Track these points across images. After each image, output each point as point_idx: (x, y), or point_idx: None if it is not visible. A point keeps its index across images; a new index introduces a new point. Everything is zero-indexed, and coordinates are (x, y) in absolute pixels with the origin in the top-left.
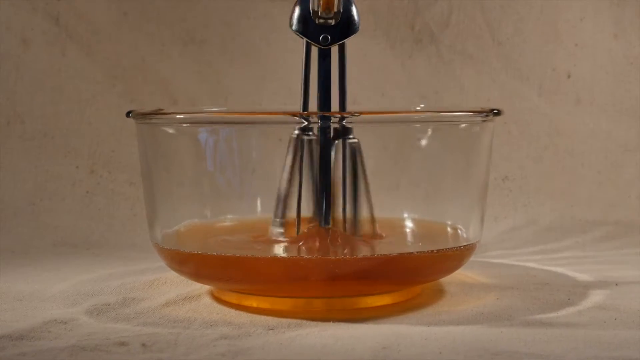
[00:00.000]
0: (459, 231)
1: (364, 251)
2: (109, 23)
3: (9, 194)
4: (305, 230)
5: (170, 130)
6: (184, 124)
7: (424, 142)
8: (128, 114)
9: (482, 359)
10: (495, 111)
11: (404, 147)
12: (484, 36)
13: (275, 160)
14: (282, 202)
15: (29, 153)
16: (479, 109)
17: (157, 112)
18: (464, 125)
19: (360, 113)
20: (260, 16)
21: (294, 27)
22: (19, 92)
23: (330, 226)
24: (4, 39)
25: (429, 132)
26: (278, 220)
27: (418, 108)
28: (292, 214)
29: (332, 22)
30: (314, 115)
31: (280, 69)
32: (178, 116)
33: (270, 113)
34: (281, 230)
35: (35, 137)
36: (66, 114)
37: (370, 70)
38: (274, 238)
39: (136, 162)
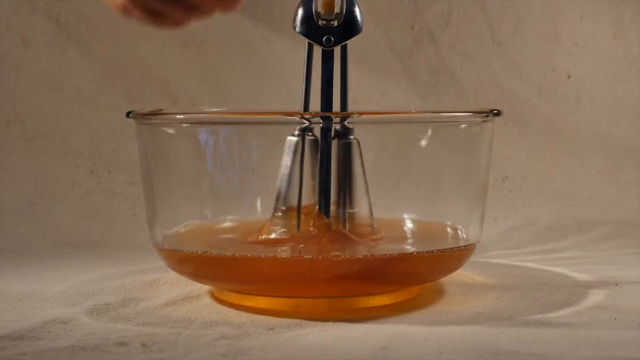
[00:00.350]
0: (459, 231)
1: (364, 251)
2: (109, 23)
3: (9, 194)
4: (306, 230)
5: (170, 131)
6: (184, 125)
7: (424, 142)
8: (128, 114)
9: (482, 359)
10: (495, 111)
11: (404, 147)
12: (484, 36)
13: (275, 160)
14: (282, 200)
15: (29, 153)
16: (479, 110)
17: (157, 113)
18: (464, 125)
19: (361, 113)
20: (260, 16)
21: (297, 29)
22: (19, 92)
23: (329, 224)
24: (4, 39)
25: (429, 132)
26: (278, 218)
27: (418, 109)
28: (292, 213)
29: (335, 23)
30: (314, 116)
31: (280, 69)
32: (178, 116)
33: (271, 113)
34: (281, 228)
35: (35, 137)
36: (66, 114)
37: (370, 70)
38: (275, 237)
39: (136, 162)
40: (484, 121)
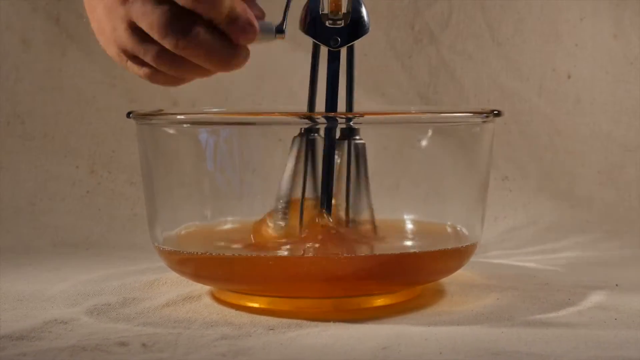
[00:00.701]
0: (459, 231)
1: (364, 251)
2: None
3: (9, 194)
4: (307, 230)
5: (171, 131)
6: (185, 125)
7: (424, 142)
8: (128, 114)
9: (483, 359)
10: (495, 112)
11: (404, 147)
12: (484, 36)
13: (275, 160)
14: (283, 200)
15: (29, 153)
16: (479, 110)
17: (157, 113)
18: (464, 126)
19: (363, 114)
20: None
21: (303, 30)
22: (19, 92)
23: (330, 224)
24: (4, 39)
25: (430, 132)
26: (279, 218)
27: (418, 109)
28: (293, 213)
29: (342, 23)
30: (314, 116)
31: (280, 69)
32: (178, 117)
33: (271, 113)
34: (282, 228)
35: (35, 137)
36: (66, 114)
37: (370, 70)
38: (275, 236)
39: (136, 162)
40: (484, 121)
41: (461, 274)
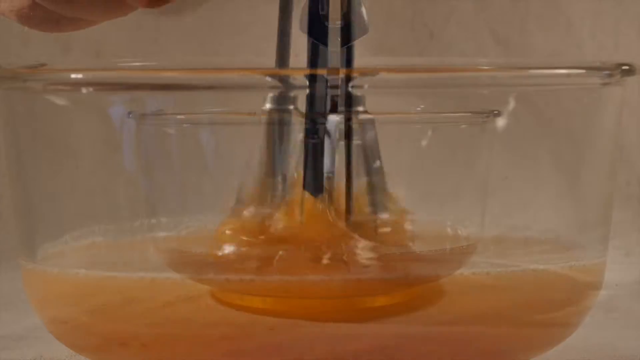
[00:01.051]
0: (459, 231)
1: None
2: (109, 23)
3: (9, 194)
4: (305, 228)
5: (170, 131)
6: (185, 124)
7: (424, 142)
8: (128, 114)
9: (483, 359)
10: (495, 112)
11: (404, 147)
12: (484, 36)
13: (274, 160)
14: (284, 199)
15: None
16: (479, 110)
17: (157, 113)
18: (464, 125)
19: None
20: (260, 16)
21: (303, 29)
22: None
23: (331, 222)
24: (4, 39)
25: (429, 132)
26: (278, 217)
27: (418, 109)
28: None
29: (341, 23)
30: (315, 116)
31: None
32: (178, 117)
33: (271, 113)
34: (281, 227)
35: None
36: (66, 114)
37: None
38: (275, 233)
39: (136, 162)
40: (484, 121)
41: (461, 274)
